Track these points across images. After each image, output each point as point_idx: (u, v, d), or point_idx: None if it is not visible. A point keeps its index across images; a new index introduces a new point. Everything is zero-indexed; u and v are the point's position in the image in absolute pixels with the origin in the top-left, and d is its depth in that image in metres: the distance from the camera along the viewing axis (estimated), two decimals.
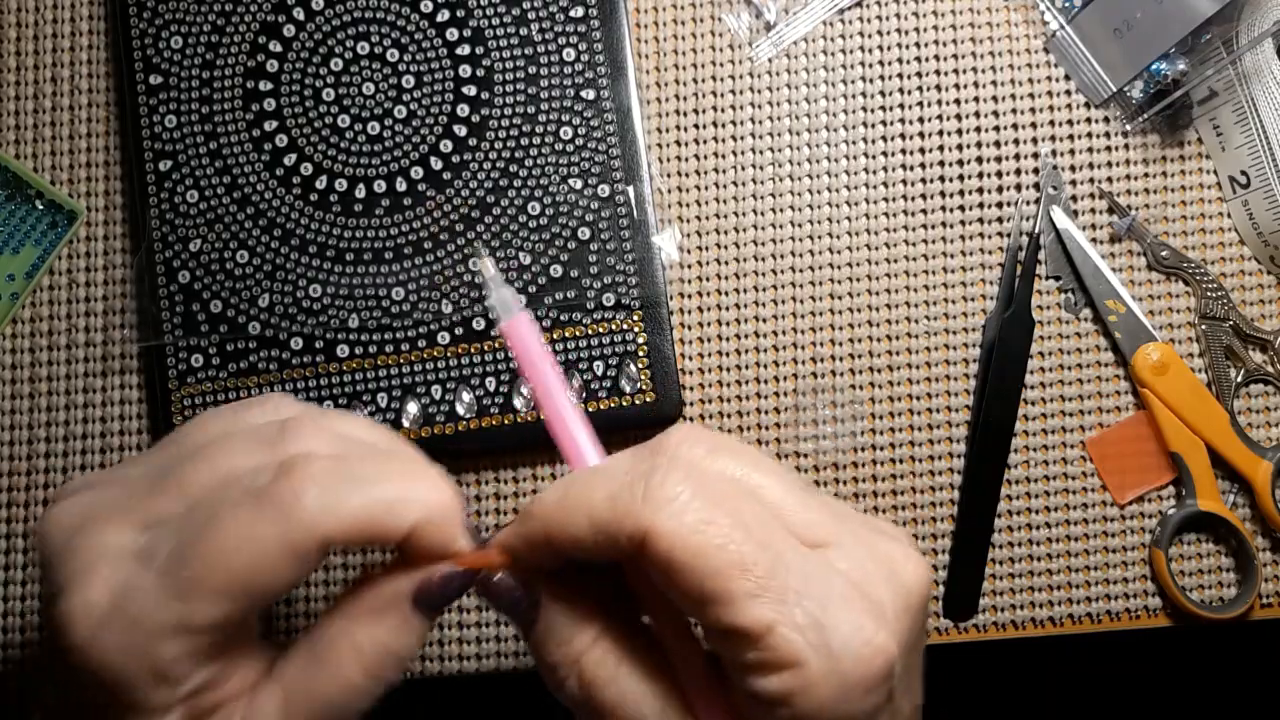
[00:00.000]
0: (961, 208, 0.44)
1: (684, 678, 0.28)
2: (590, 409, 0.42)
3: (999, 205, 0.44)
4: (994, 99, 0.45)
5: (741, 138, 0.45)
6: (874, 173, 0.45)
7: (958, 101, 0.45)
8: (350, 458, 0.28)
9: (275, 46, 0.44)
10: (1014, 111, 0.45)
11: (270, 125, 0.43)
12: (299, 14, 0.44)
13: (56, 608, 0.26)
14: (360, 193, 0.43)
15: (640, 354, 0.43)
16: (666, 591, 0.26)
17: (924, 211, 0.44)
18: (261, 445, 0.28)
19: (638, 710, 0.28)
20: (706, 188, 0.45)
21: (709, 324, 0.44)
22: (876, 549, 0.28)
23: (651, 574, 0.26)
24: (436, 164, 0.43)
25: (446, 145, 0.43)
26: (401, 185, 0.43)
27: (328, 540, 0.26)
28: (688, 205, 0.45)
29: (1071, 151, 0.45)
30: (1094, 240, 0.44)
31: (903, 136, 0.45)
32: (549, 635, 0.29)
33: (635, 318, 0.43)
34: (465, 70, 0.43)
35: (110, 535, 0.27)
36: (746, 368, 0.44)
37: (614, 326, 0.43)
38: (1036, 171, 0.44)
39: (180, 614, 0.26)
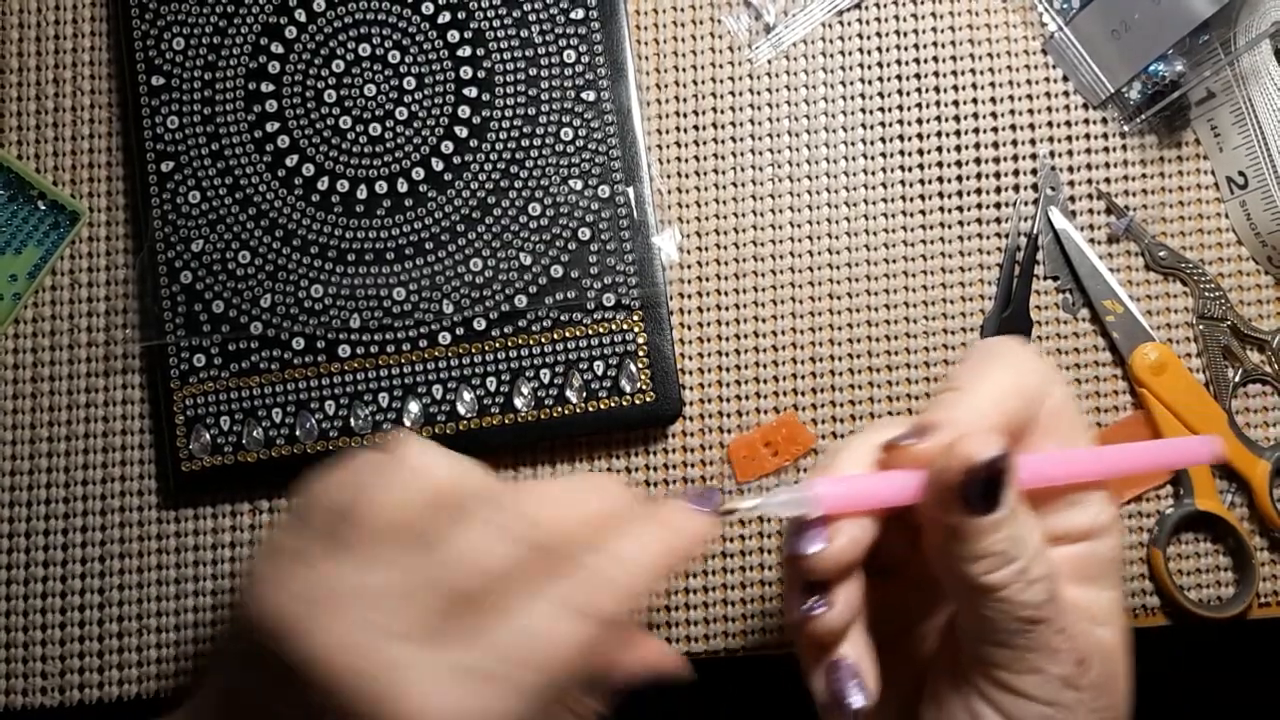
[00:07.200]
0: (960, 208, 0.45)
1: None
2: (590, 409, 0.43)
3: (997, 206, 0.45)
4: (992, 100, 0.45)
5: (741, 138, 0.45)
6: (873, 173, 0.45)
7: (956, 103, 0.45)
8: None
9: (277, 48, 0.44)
10: (1012, 113, 0.45)
11: (272, 126, 0.43)
12: (301, 16, 0.44)
13: None
14: (362, 193, 0.43)
15: (640, 354, 0.43)
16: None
17: (923, 212, 0.45)
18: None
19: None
20: (706, 188, 0.45)
21: (709, 324, 0.44)
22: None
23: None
24: (437, 165, 0.43)
25: (447, 146, 0.43)
26: (403, 186, 0.43)
27: None
28: (688, 205, 0.45)
29: (1070, 152, 0.45)
30: (1092, 240, 0.44)
31: (902, 138, 0.45)
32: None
33: (635, 318, 0.43)
34: (466, 72, 0.44)
35: None
36: (746, 368, 0.44)
37: (614, 326, 0.43)
38: (1035, 172, 0.45)
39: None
